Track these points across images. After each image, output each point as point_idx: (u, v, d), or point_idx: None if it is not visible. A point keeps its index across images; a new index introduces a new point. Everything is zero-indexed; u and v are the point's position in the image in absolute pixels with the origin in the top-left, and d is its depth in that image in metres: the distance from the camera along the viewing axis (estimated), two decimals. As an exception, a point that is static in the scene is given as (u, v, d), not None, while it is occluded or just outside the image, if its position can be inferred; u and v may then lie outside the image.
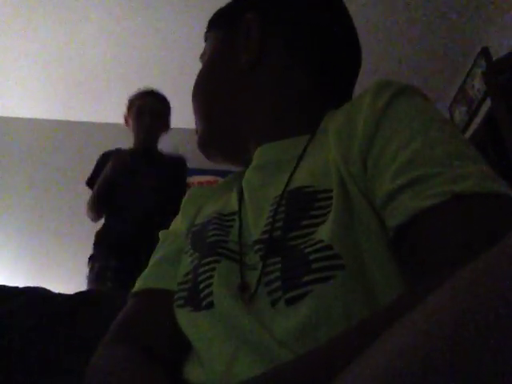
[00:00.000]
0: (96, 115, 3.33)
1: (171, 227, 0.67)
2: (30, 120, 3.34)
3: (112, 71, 2.97)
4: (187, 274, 0.54)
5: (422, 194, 0.40)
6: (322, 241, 0.43)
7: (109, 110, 3.22)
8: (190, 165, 3.13)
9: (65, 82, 3.07)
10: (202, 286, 0.49)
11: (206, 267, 0.50)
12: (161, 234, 0.65)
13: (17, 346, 0.68)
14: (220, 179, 2.76)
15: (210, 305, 0.47)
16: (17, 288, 0.80)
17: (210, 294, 0.47)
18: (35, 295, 0.77)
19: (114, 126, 3.22)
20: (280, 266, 0.44)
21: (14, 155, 3.22)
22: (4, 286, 0.81)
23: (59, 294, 0.80)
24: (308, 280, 0.42)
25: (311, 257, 0.43)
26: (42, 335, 0.70)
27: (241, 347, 0.42)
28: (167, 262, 0.59)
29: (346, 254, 0.42)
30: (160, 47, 2.80)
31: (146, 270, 0.60)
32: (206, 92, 0.66)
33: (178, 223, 0.64)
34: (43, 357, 0.68)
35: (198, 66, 0.68)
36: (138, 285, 0.58)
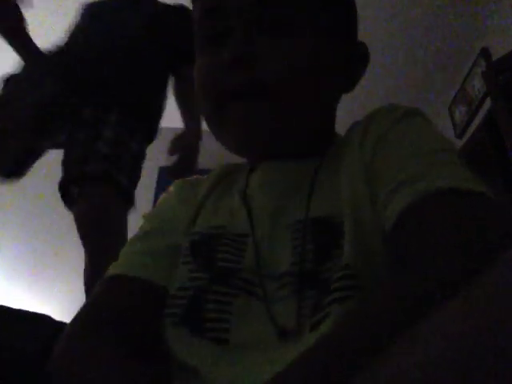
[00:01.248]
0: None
1: (162, 211, 0.61)
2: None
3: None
4: (183, 288, 0.50)
5: (404, 196, 0.42)
6: (340, 263, 0.43)
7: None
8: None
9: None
10: (210, 316, 0.46)
11: (219, 297, 0.47)
12: (150, 217, 0.61)
13: (23, 369, 0.67)
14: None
15: (223, 341, 0.44)
16: (22, 311, 0.79)
17: (226, 330, 0.45)
18: (42, 320, 0.76)
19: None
20: (314, 299, 0.43)
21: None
22: (8, 308, 0.79)
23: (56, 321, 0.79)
24: (329, 301, 0.41)
25: (333, 277, 0.42)
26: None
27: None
28: (163, 255, 0.54)
29: (363, 275, 0.42)
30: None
31: (134, 255, 0.55)
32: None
33: (177, 212, 0.59)
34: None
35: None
36: (126, 269, 0.53)
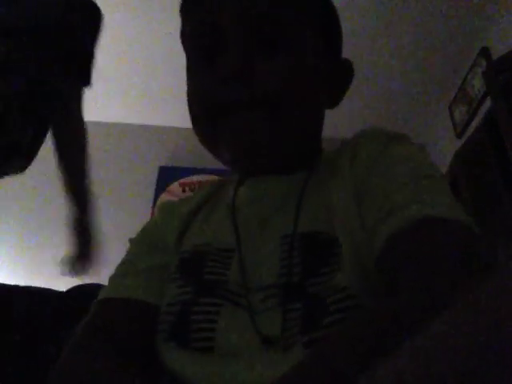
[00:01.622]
0: (96, 114, 3.33)
1: (148, 233, 0.62)
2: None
3: (112, 71, 2.97)
4: (171, 304, 0.51)
5: (392, 222, 0.44)
6: (337, 285, 0.44)
7: (109, 109, 3.22)
8: (188, 164, 3.10)
9: (65, 82, 3.07)
10: (196, 326, 0.47)
11: (205, 308, 0.48)
12: (136, 239, 0.61)
13: (18, 347, 0.68)
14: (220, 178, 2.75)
15: (208, 349, 0.45)
16: (17, 287, 0.80)
17: (210, 339, 0.45)
18: (36, 295, 0.77)
19: (114, 125, 3.22)
20: (301, 312, 0.44)
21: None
22: (4, 285, 0.80)
23: (59, 293, 0.80)
24: (328, 322, 0.42)
25: (329, 299, 0.43)
26: (45, 336, 0.70)
27: None
28: (153, 275, 0.55)
29: (361, 297, 0.43)
30: (162, 46, 2.80)
31: (124, 278, 0.56)
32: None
33: (163, 232, 0.60)
34: (45, 358, 0.68)
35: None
36: (116, 291, 0.54)
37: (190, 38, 0.58)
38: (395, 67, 2.85)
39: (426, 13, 2.56)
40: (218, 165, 0.71)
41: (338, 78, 0.61)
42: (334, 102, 0.62)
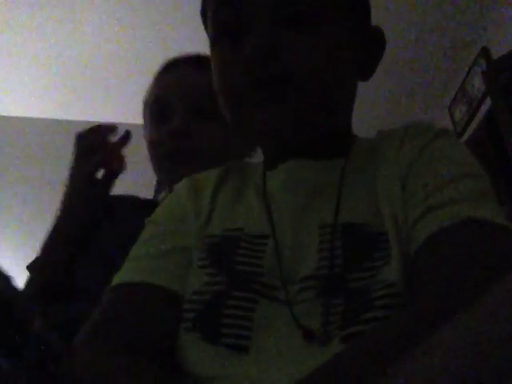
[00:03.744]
0: (96, 115, 3.33)
1: (170, 212, 0.57)
2: (29, 119, 3.34)
3: (112, 70, 2.97)
4: (200, 292, 0.47)
5: (435, 219, 0.43)
6: (385, 280, 0.43)
7: (109, 109, 3.22)
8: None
9: (64, 82, 3.07)
10: (229, 321, 0.44)
11: (240, 303, 0.45)
12: (156, 219, 0.56)
13: None
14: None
15: (243, 348, 0.42)
16: None
17: (246, 337, 0.43)
18: None
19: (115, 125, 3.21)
20: (342, 306, 0.42)
21: (13, 154, 3.22)
22: None
23: None
24: (369, 317, 0.41)
25: (374, 295, 0.42)
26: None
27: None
28: (173, 258, 0.51)
29: (405, 294, 0.42)
30: (160, 46, 2.80)
31: (141, 260, 0.52)
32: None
33: (188, 211, 0.55)
34: None
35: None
36: (133, 275, 0.50)
37: (212, 17, 0.57)
38: (395, 67, 2.85)
39: (425, 13, 2.56)
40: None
41: (368, 47, 0.59)
42: (367, 73, 0.61)
